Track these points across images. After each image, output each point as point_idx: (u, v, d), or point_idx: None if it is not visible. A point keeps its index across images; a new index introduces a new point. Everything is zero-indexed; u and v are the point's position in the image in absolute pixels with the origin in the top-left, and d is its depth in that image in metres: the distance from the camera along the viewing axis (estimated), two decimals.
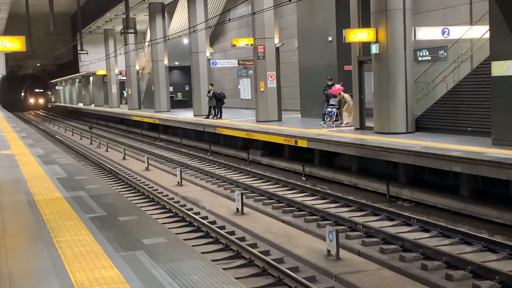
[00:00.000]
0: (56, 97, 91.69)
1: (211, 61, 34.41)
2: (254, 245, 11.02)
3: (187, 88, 44.75)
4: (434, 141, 15.70)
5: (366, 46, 19.41)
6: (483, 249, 10.40)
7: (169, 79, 40.93)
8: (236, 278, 6.78)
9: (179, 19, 41.08)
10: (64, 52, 54.62)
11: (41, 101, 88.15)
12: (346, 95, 21.65)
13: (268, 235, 11.78)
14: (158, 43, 38.06)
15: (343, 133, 19.39)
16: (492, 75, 14.43)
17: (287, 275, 9.01)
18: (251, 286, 8.76)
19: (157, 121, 34.27)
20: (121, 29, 37.98)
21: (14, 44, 15.83)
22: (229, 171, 20.60)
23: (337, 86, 22.16)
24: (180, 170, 18.39)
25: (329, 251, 10.10)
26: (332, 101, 22.12)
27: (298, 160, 20.35)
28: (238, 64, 35.64)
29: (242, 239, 11.50)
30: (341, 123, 21.87)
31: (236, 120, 27.57)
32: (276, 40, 26.07)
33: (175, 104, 42.95)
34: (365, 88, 20.31)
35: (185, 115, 33.33)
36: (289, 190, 16.58)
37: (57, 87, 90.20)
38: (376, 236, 11.29)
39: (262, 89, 26.02)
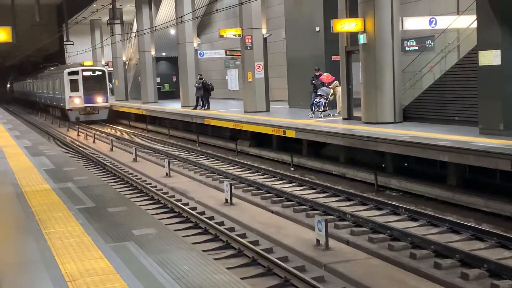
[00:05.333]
0: None
1: (199, 51, 34.29)
2: (243, 236, 11.04)
3: (174, 79, 44.58)
4: (421, 131, 15.77)
5: (353, 36, 19.43)
6: (470, 237, 10.49)
7: (156, 70, 40.75)
8: (227, 268, 6.79)
9: (166, 10, 40.86)
10: (50, 43, 54.17)
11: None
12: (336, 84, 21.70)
13: (257, 225, 11.80)
14: (145, 33, 37.86)
15: (331, 123, 19.43)
16: (479, 64, 14.50)
17: (276, 264, 9.04)
18: (241, 276, 8.77)
19: (144, 112, 34.15)
20: (108, 20, 37.85)
21: (0, 35, 15.73)
22: (217, 161, 20.59)
23: (328, 75, 22.21)
24: (168, 161, 18.36)
25: (318, 240, 10.14)
26: (320, 92, 22.13)
27: (286, 151, 20.38)
28: (226, 55, 35.53)
29: (231, 229, 11.52)
30: (330, 114, 21.88)
31: (224, 111, 27.54)
32: (264, 31, 26.01)
33: (163, 95, 42.76)
34: (353, 78, 20.34)
35: (173, 106, 33.24)
36: (278, 180, 16.61)
37: None
38: (365, 226, 11.35)
39: (249, 80, 25.99)
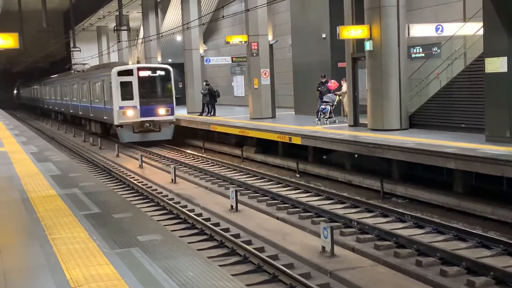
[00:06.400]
0: None
1: (205, 58, 34.37)
2: (248, 242, 11.02)
3: (180, 85, 44.69)
4: (427, 138, 15.73)
5: (360, 43, 19.42)
6: (477, 245, 10.44)
7: None
8: (232, 275, 6.77)
9: (173, 16, 41.01)
10: (56, 49, 54.38)
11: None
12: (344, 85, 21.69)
13: (263, 232, 11.77)
14: (151, 40, 37.96)
15: (337, 130, 19.41)
16: (486, 71, 14.46)
17: (282, 271, 9.01)
18: (246, 282, 8.75)
19: None
20: (114, 26, 37.90)
21: (7, 41, 15.80)
22: (223, 168, 20.58)
23: (335, 82, 22.24)
24: (174, 168, 18.36)
25: (323, 247, 10.10)
26: (326, 98, 22.13)
27: (292, 157, 20.36)
28: (232, 61, 35.59)
29: (237, 236, 11.50)
30: (336, 120, 21.88)
31: (229, 117, 27.54)
32: (270, 37, 26.05)
33: None
34: (359, 85, 20.32)
35: (178, 113, 33.26)
36: (283, 187, 16.58)
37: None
38: (371, 233, 11.31)
39: (255, 86, 26.01)
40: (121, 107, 27.13)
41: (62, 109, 43.91)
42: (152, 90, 27.97)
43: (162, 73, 28.11)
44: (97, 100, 30.89)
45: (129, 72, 27.55)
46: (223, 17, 29.20)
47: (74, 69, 43.51)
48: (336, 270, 9.29)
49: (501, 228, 11.78)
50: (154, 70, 28.23)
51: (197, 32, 32.74)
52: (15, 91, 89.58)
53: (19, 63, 70.03)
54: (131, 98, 27.18)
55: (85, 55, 50.50)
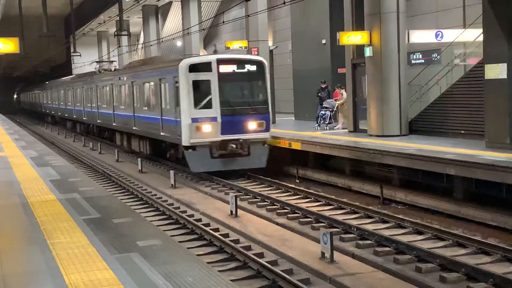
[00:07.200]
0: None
1: None
2: (248, 248, 11.01)
3: None
4: (427, 144, 15.74)
5: (360, 48, 19.46)
6: (477, 251, 10.43)
7: None
8: (231, 280, 6.77)
9: (173, 22, 41.10)
10: (57, 54, 54.50)
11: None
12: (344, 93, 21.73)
13: (262, 237, 11.77)
14: (151, 45, 38.04)
15: (337, 135, 19.41)
16: (486, 78, 14.49)
17: (281, 277, 9.00)
18: None
19: None
20: (115, 31, 37.98)
21: (8, 45, 15.85)
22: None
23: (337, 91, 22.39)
24: (174, 173, 18.35)
25: (323, 253, 10.10)
26: (326, 104, 22.16)
27: (292, 163, 20.34)
28: None
29: (236, 241, 11.49)
30: (335, 126, 21.92)
31: None
32: (270, 43, 26.15)
33: None
34: (359, 90, 20.35)
35: None
36: (283, 192, 16.57)
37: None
38: (370, 239, 11.30)
39: None
40: (194, 120, 18.25)
41: (84, 119, 35.47)
42: (240, 93, 19.55)
43: (254, 67, 19.05)
44: (147, 108, 22.59)
45: (205, 67, 18.53)
46: (223, 22, 29.28)
47: (99, 67, 35.50)
48: (336, 276, 9.28)
49: (500, 234, 11.78)
50: (242, 63, 19.03)
51: (198, 37, 32.81)
52: (15, 96, 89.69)
53: (19, 68, 70.11)
54: (209, 106, 18.36)
55: (86, 60, 50.59)
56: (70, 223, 8.95)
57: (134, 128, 24.40)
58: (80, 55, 40.97)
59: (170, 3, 40.93)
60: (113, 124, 28.12)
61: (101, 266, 6.75)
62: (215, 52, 22.77)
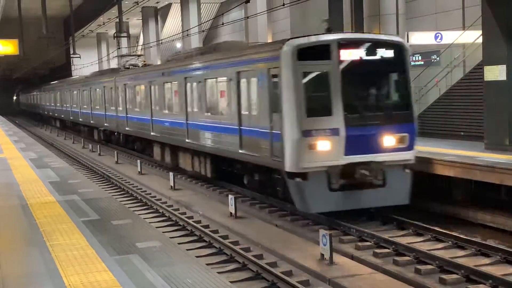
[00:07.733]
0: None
1: None
2: (247, 249, 11.00)
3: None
4: (427, 145, 15.72)
5: None
6: (476, 253, 10.42)
7: None
8: (230, 282, 6.77)
9: (172, 23, 41.14)
10: (56, 55, 54.51)
11: None
12: None
13: (262, 239, 11.76)
14: (151, 47, 38.07)
15: None
16: (485, 79, 14.49)
17: (280, 279, 9.00)
18: None
19: None
20: (114, 33, 38.02)
21: (7, 47, 15.88)
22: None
23: None
24: (173, 174, 18.34)
25: (322, 255, 10.09)
26: None
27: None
28: None
29: (236, 243, 11.48)
30: None
31: None
32: None
33: None
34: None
35: None
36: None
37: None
38: (369, 240, 11.29)
39: None
40: (306, 133, 12.16)
41: (106, 125, 29.86)
42: (371, 92, 13.29)
43: (390, 53, 12.83)
44: (211, 114, 16.85)
45: (321, 52, 12.56)
46: (222, 24, 29.24)
47: (126, 62, 29.69)
48: (335, 278, 9.28)
49: (500, 236, 11.77)
50: (373, 46, 12.83)
51: (197, 39, 32.85)
52: (14, 97, 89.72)
53: (19, 70, 70.14)
54: (327, 113, 12.33)
55: (85, 61, 50.62)
56: (69, 224, 8.94)
57: (187, 140, 18.47)
58: (79, 57, 41.06)
59: (169, 5, 40.98)
60: (152, 133, 22.25)
61: (100, 268, 6.75)
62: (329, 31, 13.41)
